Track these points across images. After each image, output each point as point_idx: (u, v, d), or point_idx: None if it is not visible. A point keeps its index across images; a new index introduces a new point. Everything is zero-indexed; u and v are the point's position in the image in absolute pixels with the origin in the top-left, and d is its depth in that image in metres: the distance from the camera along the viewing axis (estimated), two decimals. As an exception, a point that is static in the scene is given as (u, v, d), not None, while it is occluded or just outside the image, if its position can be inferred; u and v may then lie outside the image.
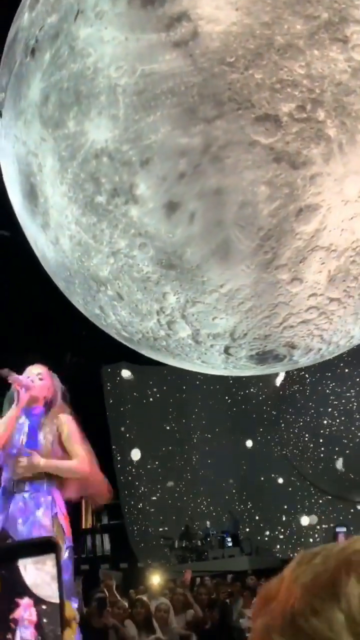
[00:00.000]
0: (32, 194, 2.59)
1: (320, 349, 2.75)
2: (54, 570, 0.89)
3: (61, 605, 0.89)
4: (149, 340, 2.76)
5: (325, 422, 10.47)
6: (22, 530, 2.87)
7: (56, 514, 2.96)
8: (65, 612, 0.90)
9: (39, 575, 0.89)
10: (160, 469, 11.88)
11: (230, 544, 10.39)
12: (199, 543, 10.66)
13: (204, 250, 2.17)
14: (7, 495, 2.97)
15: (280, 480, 11.57)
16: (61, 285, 2.97)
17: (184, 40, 2.06)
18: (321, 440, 10.47)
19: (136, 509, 11.29)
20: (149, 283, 2.36)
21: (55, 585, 0.88)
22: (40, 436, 3.05)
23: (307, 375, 10.84)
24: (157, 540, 11.05)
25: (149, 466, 11.74)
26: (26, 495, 2.94)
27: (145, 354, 3.10)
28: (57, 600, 0.89)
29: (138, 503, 11.39)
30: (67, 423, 3.13)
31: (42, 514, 2.91)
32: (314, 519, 10.67)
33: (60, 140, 2.30)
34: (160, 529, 11.26)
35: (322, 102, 2.02)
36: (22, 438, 3.03)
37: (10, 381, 3.04)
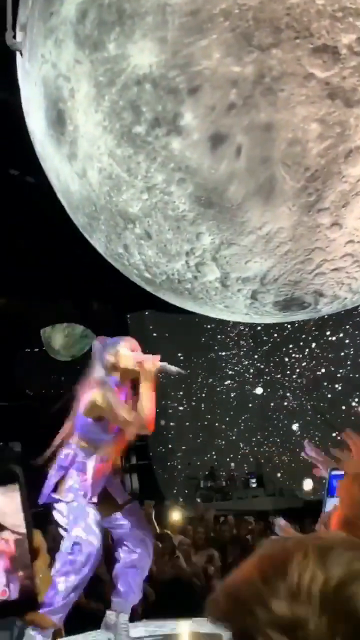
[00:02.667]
0: (59, 121, 2.46)
1: (345, 298, 2.73)
2: (19, 500, 0.90)
3: (29, 535, 0.90)
4: (173, 283, 2.70)
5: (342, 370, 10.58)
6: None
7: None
8: (33, 542, 0.91)
9: (6, 505, 0.90)
10: (187, 411, 12.05)
11: (254, 485, 10.71)
12: (224, 483, 10.99)
13: (247, 188, 2.09)
14: None
15: (296, 426, 11.86)
16: (81, 221, 2.87)
17: None
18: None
19: (164, 450, 11.65)
20: (183, 222, 2.28)
21: (21, 515, 0.90)
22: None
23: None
24: (183, 480, 11.37)
25: (176, 409, 11.87)
26: None
27: (163, 297, 3.04)
28: (24, 530, 0.90)
29: (166, 444, 11.75)
30: None
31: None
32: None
33: (98, 64, 2.17)
34: (187, 470, 11.59)
35: (383, 36, 1.92)
36: None
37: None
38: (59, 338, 9.98)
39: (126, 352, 3.05)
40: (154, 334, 12.12)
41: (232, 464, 11.57)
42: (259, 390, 12.31)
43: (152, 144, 2.13)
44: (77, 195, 2.68)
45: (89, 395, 3.02)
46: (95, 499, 3.03)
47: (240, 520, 6.54)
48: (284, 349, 12.19)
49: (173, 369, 3.00)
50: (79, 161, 2.49)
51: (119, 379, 3.07)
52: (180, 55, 1.94)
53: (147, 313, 12.22)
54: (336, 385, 10.94)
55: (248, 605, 0.56)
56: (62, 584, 2.80)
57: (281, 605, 0.55)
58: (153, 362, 2.98)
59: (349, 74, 1.93)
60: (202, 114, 1.98)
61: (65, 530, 2.96)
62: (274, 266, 2.37)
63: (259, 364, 12.63)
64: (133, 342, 3.14)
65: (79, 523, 2.93)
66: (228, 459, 11.76)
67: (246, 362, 12.68)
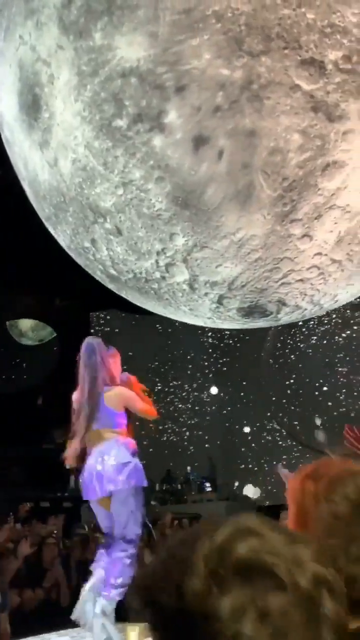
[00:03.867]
0: (34, 106, 2.39)
1: (305, 309, 2.78)
2: None
3: None
4: (140, 281, 2.67)
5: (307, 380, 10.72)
6: None
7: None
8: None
9: None
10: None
11: (209, 489, 10.72)
12: (179, 487, 10.92)
13: (226, 192, 2.09)
14: None
15: (248, 429, 11.91)
16: (47, 212, 2.79)
17: (234, -36, 1.92)
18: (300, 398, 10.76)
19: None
20: (157, 221, 2.26)
21: None
22: None
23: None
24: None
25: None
26: None
27: (126, 295, 3.00)
28: None
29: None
30: None
31: None
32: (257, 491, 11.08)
33: (82, 52, 2.12)
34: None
35: (368, 56, 1.97)
36: None
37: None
38: (27, 322, 9.82)
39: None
40: (116, 333, 11.99)
41: (189, 467, 11.57)
42: (214, 390, 12.40)
43: (133, 139, 2.10)
44: (46, 184, 2.61)
45: (116, 390, 3.52)
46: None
47: (194, 523, 6.58)
48: (242, 352, 12.31)
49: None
50: (51, 150, 2.42)
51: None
52: (170, 52, 1.92)
53: (109, 312, 12.07)
54: (295, 395, 11.12)
55: (161, 581, 0.65)
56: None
57: (180, 579, 0.63)
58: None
59: (332, 90, 1.96)
60: (187, 113, 1.97)
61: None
62: (243, 272, 2.38)
63: (216, 366, 12.71)
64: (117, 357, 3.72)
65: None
66: (185, 462, 11.76)
67: (205, 364, 12.73)
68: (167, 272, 2.51)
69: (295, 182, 2.09)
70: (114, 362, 3.64)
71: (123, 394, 3.55)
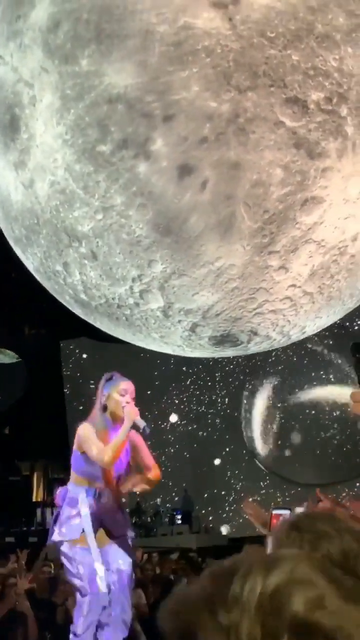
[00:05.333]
0: (11, 126, 2.35)
1: (274, 340, 2.82)
2: None
3: None
4: (111, 307, 2.63)
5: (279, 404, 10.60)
6: None
7: None
8: None
9: None
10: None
11: (179, 522, 10.38)
12: (149, 519, 10.54)
13: (207, 222, 2.11)
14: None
15: (219, 462, 11.68)
16: (16, 233, 2.73)
17: (223, 3, 1.99)
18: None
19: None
20: (137, 247, 2.25)
21: None
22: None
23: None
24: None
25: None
26: None
27: (94, 321, 2.96)
28: None
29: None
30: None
31: None
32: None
33: (67, 77, 2.11)
34: None
35: (347, 99, 2.06)
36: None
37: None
38: None
39: (117, 396, 3.08)
40: (87, 362, 11.68)
41: (158, 499, 11.27)
42: (173, 418, 12.22)
43: (116, 164, 2.10)
44: (18, 205, 2.56)
45: (79, 428, 3.10)
46: (92, 534, 2.94)
47: (164, 558, 6.38)
48: (206, 381, 12.21)
49: (140, 423, 3.06)
50: (28, 171, 2.39)
51: (111, 420, 3.11)
52: (159, 82, 1.95)
53: (80, 341, 11.77)
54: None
55: (196, 609, 0.61)
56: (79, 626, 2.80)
57: (221, 612, 0.59)
58: (131, 412, 3.03)
59: (314, 128, 2.04)
60: (173, 142, 1.99)
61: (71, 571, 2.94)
62: (219, 301, 2.40)
63: (184, 395, 12.54)
64: (129, 385, 3.16)
65: (78, 563, 2.89)
66: (155, 494, 11.48)
67: (175, 392, 12.54)
68: (141, 299, 2.49)
69: (275, 215, 2.13)
70: (109, 396, 3.13)
71: (79, 434, 3.07)
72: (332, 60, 2.02)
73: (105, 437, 3.05)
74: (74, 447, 3.09)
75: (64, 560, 2.92)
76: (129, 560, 3.01)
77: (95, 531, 2.94)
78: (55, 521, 3.03)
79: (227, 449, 11.67)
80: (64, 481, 3.24)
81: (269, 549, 1.11)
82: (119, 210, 2.19)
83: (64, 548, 2.90)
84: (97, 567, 2.84)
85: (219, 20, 1.97)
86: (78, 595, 2.88)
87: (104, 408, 3.11)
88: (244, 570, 0.62)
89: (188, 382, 12.42)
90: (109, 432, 3.08)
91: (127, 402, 3.08)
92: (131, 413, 3.03)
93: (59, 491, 3.12)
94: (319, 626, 0.57)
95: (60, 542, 2.92)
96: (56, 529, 2.97)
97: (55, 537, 2.96)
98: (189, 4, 1.95)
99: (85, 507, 2.94)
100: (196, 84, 1.94)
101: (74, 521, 2.95)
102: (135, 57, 1.97)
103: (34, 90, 2.22)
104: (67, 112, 2.14)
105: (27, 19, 2.24)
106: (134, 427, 3.07)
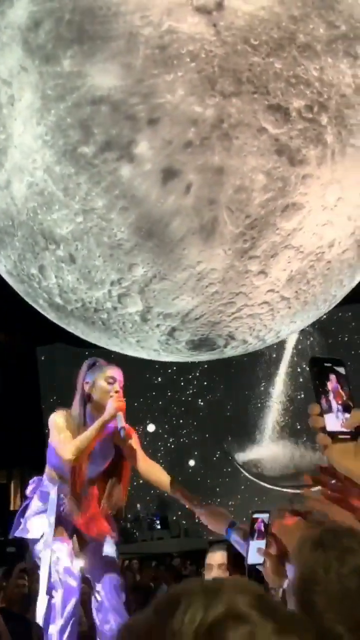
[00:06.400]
0: (-12, 126, 2.30)
1: (250, 344, 2.84)
2: None
3: None
4: (88, 311, 2.60)
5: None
6: None
7: None
8: None
9: None
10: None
11: (159, 527, 10.19)
12: (128, 525, 10.33)
13: (190, 225, 2.11)
14: None
15: (193, 462, 11.57)
16: (-11, 235, 2.67)
17: (206, 8, 2.00)
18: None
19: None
20: (117, 251, 2.23)
21: None
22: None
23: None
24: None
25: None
26: None
27: (67, 325, 2.91)
28: None
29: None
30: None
31: None
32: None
33: (48, 77, 2.08)
34: None
35: (327, 108, 2.10)
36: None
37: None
38: None
39: (103, 384, 2.75)
40: (64, 368, 11.42)
41: (138, 505, 11.11)
42: (151, 428, 12.12)
43: (99, 167, 2.08)
44: (-8, 206, 2.50)
45: (51, 415, 2.76)
46: (64, 532, 2.71)
47: (144, 565, 6.28)
48: (179, 386, 12.18)
49: (119, 421, 2.68)
50: (5, 171, 2.33)
51: (92, 411, 2.77)
52: (144, 84, 1.94)
53: (57, 347, 11.49)
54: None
55: None
56: (52, 632, 2.54)
57: None
58: (114, 405, 2.67)
59: (295, 135, 2.07)
60: (158, 145, 1.98)
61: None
62: (198, 305, 2.40)
63: (158, 401, 12.45)
64: (117, 372, 2.82)
65: (48, 561, 2.64)
66: (133, 499, 11.31)
67: (142, 400, 12.42)
68: (119, 303, 2.47)
69: (256, 220, 2.15)
70: (93, 384, 2.82)
71: (49, 422, 2.77)
72: (312, 69, 2.06)
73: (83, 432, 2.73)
74: (49, 439, 2.79)
75: (36, 560, 2.78)
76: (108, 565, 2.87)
77: (70, 534, 2.81)
78: (22, 512, 2.83)
79: (200, 450, 11.72)
80: None
81: (292, 568, 1.12)
82: (100, 213, 2.16)
83: (38, 546, 2.76)
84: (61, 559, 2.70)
85: (204, 25, 1.98)
86: (51, 596, 2.73)
87: (88, 398, 2.77)
88: (185, 604, 0.63)
89: (166, 389, 12.40)
90: (89, 426, 2.75)
91: (116, 392, 2.73)
92: (114, 406, 2.66)
93: (33, 481, 2.88)
94: None
95: (31, 542, 2.78)
96: (22, 522, 2.82)
97: (19, 532, 2.80)
98: (174, 8, 1.95)
99: (53, 505, 2.71)
100: (181, 88, 1.94)
101: (40, 518, 2.76)
102: (119, 59, 1.96)
103: (13, 89, 2.18)
104: (47, 113, 2.11)
105: (4, 16, 2.20)
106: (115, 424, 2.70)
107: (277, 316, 2.61)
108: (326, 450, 1.04)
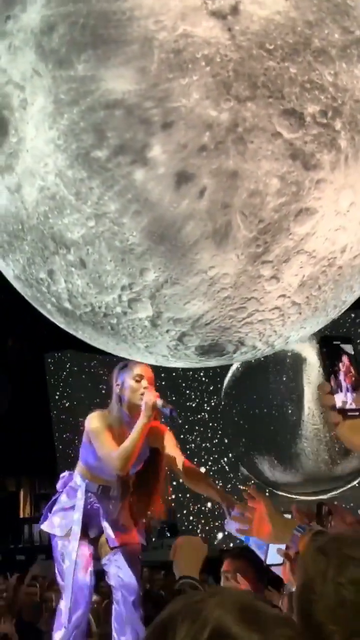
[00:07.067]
0: (0, 129, 2.29)
1: (259, 350, 2.83)
2: None
3: None
4: (97, 316, 2.58)
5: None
6: None
7: None
8: None
9: None
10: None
11: (168, 534, 10.12)
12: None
13: (204, 230, 2.10)
14: None
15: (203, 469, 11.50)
16: (-2, 239, 2.65)
17: (221, 12, 2.00)
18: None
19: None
20: (130, 255, 2.21)
21: None
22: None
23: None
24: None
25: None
26: None
27: (75, 330, 2.89)
28: None
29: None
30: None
31: None
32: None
33: (62, 81, 2.07)
34: None
35: (341, 113, 2.10)
36: None
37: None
38: None
39: (132, 383, 2.71)
40: (73, 375, 11.35)
41: (149, 512, 11.06)
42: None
43: (112, 171, 2.06)
44: (2, 210, 2.48)
45: (88, 418, 2.74)
46: (85, 537, 2.71)
47: (153, 573, 6.23)
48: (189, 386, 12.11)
49: (165, 409, 2.62)
50: (16, 175, 2.32)
51: (128, 413, 2.73)
52: (159, 88, 1.93)
53: (65, 353, 11.41)
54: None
55: None
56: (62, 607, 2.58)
57: None
58: (150, 399, 2.62)
59: (310, 140, 2.06)
60: (172, 149, 1.97)
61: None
62: (209, 310, 2.38)
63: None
64: (145, 369, 2.76)
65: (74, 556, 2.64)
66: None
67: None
68: (129, 308, 2.45)
69: (270, 225, 2.14)
70: (122, 385, 2.79)
71: (88, 427, 2.74)
72: (327, 74, 2.05)
73: (122, 434, 2.71)
74: (84, 437, 2.75)
75: (56, 556, 2.73)
76: (129, 572, 2.81)
77: (94, 534, 2.76)
78: (50, 507, 2.81)
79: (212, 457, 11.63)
80: (51, 497, 3.07)
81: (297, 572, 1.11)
82: (112, 218, 2.15)
83: (58, 546, 2.72)
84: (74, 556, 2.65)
85: (219, 30, 1.97)
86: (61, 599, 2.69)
87: (120, 400, 2.75)
88: (170, 635, 0.65)
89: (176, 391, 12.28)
90: (126, 428, 2.73)
91: (145, 388, 2.71)
92: (150, 399, 2.64)
93: (63, 475, 2.84)
94: None
95: (53, 537, 2.75)
96: (49, 516, 2.79)
97: (45, 526, 2.77)
98: (188, 13, 1.95)
99: (80, 502, 2.69)
100: (196, 92, 1.93)
101: (67, 514, 2.72)
102: (134, 64, 1.95)
103: (25, 93, 2.17)
104: (60, 117, 2.10)
105: (17, 20, 2.20)
106: (159, 416, 2.66)
107: (287, 322, 2.60)
108: (337, 427, 1.06)
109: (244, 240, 2.16)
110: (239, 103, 1.96)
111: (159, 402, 2.60)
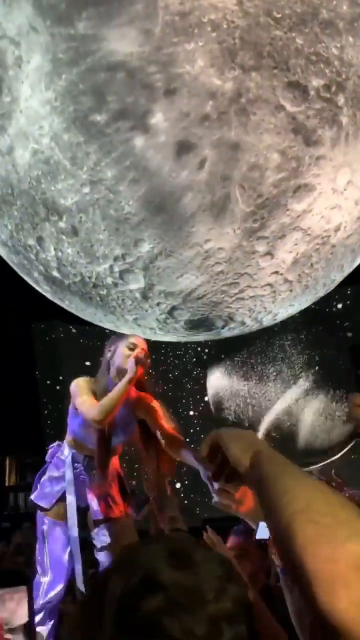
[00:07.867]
0: (-8, 88, 2.19)
1: (247, 325, 2.83)
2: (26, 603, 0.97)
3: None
4: (86, 286, 2.54)
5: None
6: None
7: None
8: None
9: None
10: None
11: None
12: None
13: (202, 202, 2.07)
14: None
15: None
16: (-15, 203, 2.57)
17: (228, -23, 1.93)
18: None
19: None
20: (124, 225, 2.17)
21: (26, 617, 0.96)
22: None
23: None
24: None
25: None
26: None
27: (62, 300, 2.84)
28: None
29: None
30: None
31: None
32: None
33: (60, 39, 1.99)
34: None
35: (344, 88, 2.07)
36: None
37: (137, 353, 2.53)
38: None
39: (125, 350, 2.64)
40: (60, 345, 11.15)
41: (133, 482, 10.99)
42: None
43: (111, 136, 2.00)
44: (-8, 173, 2.40)
45: (74, 381, 2.67)
46: (74, 506, 2.65)
47: None
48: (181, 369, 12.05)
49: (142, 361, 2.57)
50: (8, 136, 2.24)
51: (114, 378, 2.67)
52: (163, 52, 1.87)
53: (52, 323, 11.19)
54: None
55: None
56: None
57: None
58: (135, 358, 2.54)
59: (312, 115, 2.03)
60: (174, 117, 1.92)
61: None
62: (202, 284, 2.36)
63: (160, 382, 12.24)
64: (139, 339, 2.70)
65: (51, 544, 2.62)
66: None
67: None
68: (121, 279, 2.41)
69: (268, 200, 2.12)
70: (114, 351, 2.70)
71: (71, 387, 2.65)
72: (333, 47, 2.01)
73: None
74: (70, 406, 2.70)
75: (38, 534, 2.71)
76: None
77: (82, 505, 2.73)
78: (39, 477, 2.76)
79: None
80: (36, 465, 3.04)
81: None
82: (109, 185, 2.09)
83: (41, 524, 2.71)
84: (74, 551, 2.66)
85: (226, -6, 1.91)
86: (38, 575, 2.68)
87: (108, 367, 2.69)
88: (109, 573, 0.68)
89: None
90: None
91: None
92: (134, 361, 2.53)
93: (52, 446, 2.84)
94: (158, 626, 0.61)
95: (38, 514, 2.72)
96: (39, 487, 2.77)
97: (35, 497, 2.75)
98: (197, -25, 1.88)
99: (69, 473, 2.66)
100: (201, 59, 1.88)
101: (54, 486, 2.70)
102: (137, 24, 1.88)
103: (20, 50, 2.07)
104: (58, 77, 2.02)
105: (14, -28, 2.09)
106: (147, 386, 2.63)
107: (278, 299, 2.60)
108: None
109: (241, 214, 2.13)
110: (244, 72, 1.91)
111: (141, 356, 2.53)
